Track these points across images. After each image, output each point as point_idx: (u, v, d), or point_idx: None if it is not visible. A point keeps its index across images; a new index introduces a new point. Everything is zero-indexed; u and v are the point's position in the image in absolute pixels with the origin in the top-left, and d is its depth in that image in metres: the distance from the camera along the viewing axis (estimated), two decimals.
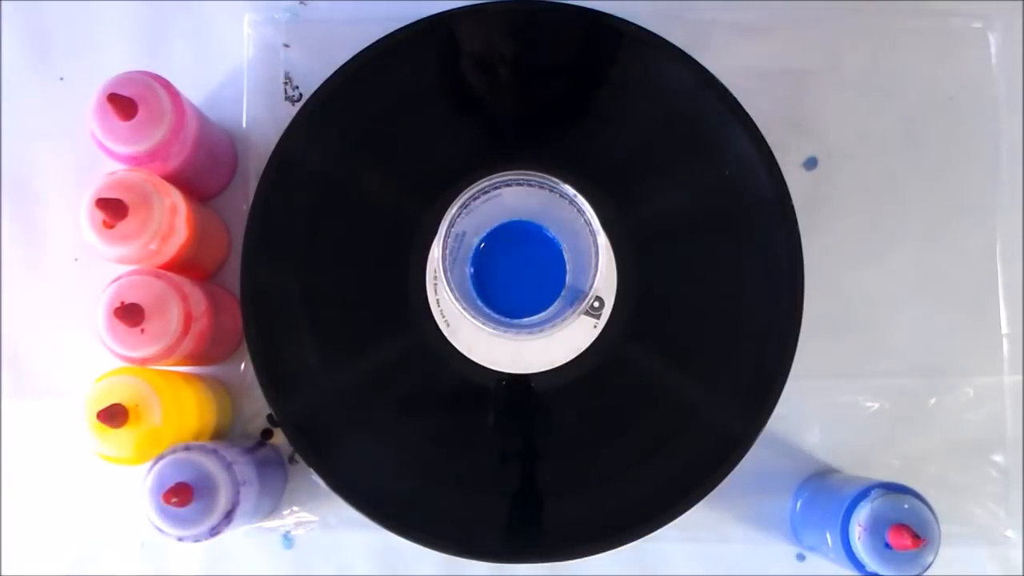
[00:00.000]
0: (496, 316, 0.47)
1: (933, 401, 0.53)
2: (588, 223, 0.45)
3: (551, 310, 0.48)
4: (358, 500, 0.47)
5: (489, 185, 0.45)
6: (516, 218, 0.48)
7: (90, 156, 0.50)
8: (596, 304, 0.47)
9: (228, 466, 0.43)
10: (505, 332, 0.45)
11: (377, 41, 0.49)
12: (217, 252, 0.52)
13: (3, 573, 0.52)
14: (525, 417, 0.49)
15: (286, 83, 0.54)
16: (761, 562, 0.52)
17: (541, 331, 0.46)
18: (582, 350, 0.48)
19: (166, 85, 0.45)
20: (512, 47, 0.50)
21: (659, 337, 0.49)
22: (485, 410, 0.48)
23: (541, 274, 0.48)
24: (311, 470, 0.47)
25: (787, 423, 0.52)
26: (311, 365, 0.48)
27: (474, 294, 0.48)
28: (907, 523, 0.44)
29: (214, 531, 0.43)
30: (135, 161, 0.45)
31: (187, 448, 0.43)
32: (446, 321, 0.48)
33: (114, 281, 0.44)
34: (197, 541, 0.43)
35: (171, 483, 0.42)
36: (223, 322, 0.49)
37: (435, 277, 0.48)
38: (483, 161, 0.47)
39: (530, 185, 0.46)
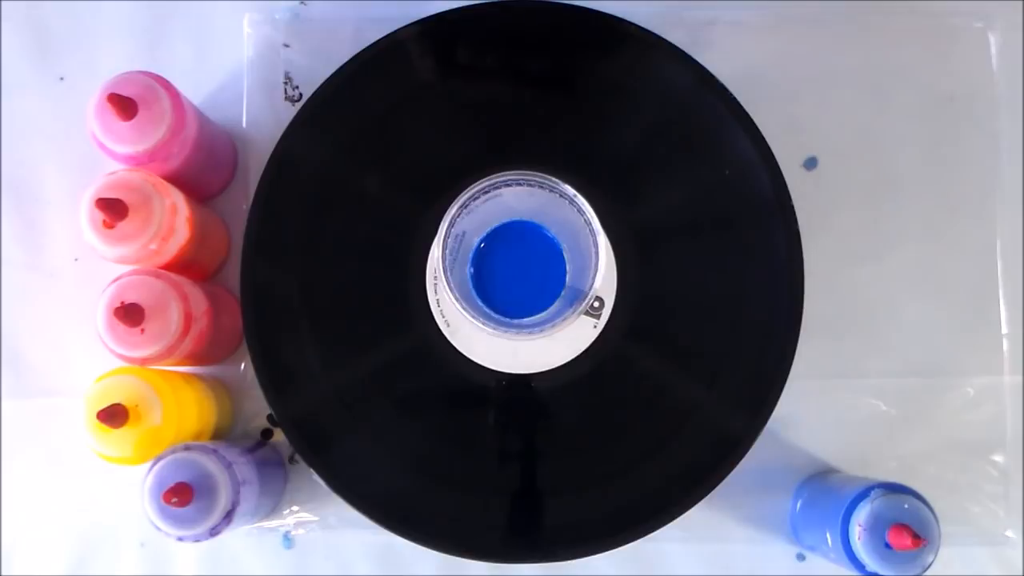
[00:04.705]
0: (496, 316, 0.47)
1: (933, 401, 0.53)
2: (588, 223, 0.45)
3: (551, 310, 0.48)
4: (358, 500, 0.47)
5: (489, 185, 0.45)
6: (516, 218, 0.48)
7: (90, 156, 0.50)
8: (596, 304, 0.47)
9: (228, 466, 0.43)
10: (505, 332, 0.45)
11: (377, 41, 0.49)
12: (217, 252, 0.52)
13: (3, 573, 0.52)
14: (525, 417, 0.49)
15: (286, 83, 0.54)
16: (761, 562, 0.52)
17: (541, 331, 0.46)
18: (582, 350, 0.48)
19: (166, 85, 0.45)
20: (512, 47, 0.50)
21: (659, 337, 0.49)
22: (485, 410, 0.48)
23: (541, 274, 0.48)
24: (311, 470, 0.47)
25: (787, 423, 0.52)
26: (311, 365, 0.48)
27: (474, 294, 0.48)
28: (907, 523, 0.44)
29: (214, 531, 0.43)
30: (135, 161, 0.45)
31: (187, 448, 0.43)
32: (446, 321, 0.48)
33: (114, 281, 0.44)
34: (197, 541, 0.43)
35: (171, 483, 0.42)
36: (223, 322, 0.49)
37: (435, 277, 0.48)
38: (483, 161, 0.47)
39: (530, 185, 0.46)
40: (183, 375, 0.49)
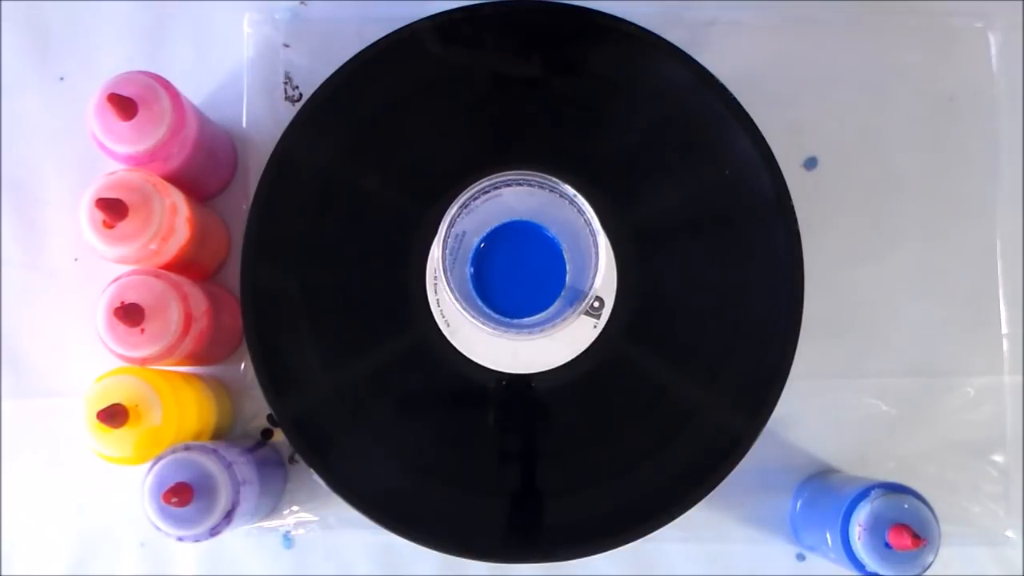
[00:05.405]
0: (496, 316, 0.47)
1: (933, 401, 0.53)
2: (588, 223, 0.45)
3: (551, 310, 0.48)
4: (358, 500, 0.47)
5: (489, 185, 0.45)
6: (516, 218, 0.48)
7: (90, 156, 0.51)
8: (596, 304, 0.47)
9: (228, 466, 0.43)
10: (505, 332, 0.45)
11: (377, 41, 0.49)
12: (217, 252, 0.52)
13: (3, 573, 0.52)
14: (525, 417, 0.49)
15: (286, 83, 0.54)
16: (761, 562, 0.52)
17: (541, 331, 0.46)
18: (582, 350, 0.48)
19: (166, 85, 0.45)
20: (512, 47, 0.50)
21: (659, 337, 0.49)
22: (485, 410, 0.48)
23: (541, 274, 0.48)
24: (311, 470, 0.47)
25: (787, 423, 0.52)
26: (311, 365, 0.48)
27: (474, 294, 0.48)
28: (907, 523, 0.44)
29: (214, 531, 0.43)
30: (135, 161, 0.45)
31: (187, 448, 0.43)
32: (446, 321, 0.48)
33: (114, 281, 0.44)
34: (197, 541, 0.43)
35: (171, 483, 0.42)
36: (223, 322, 0.49)
37: (435, 277, 0.48)
38: (483, 161, 0.47)
39: (530, 185, 0.46)
40: (183, 375, 0.49)
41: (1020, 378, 0.53)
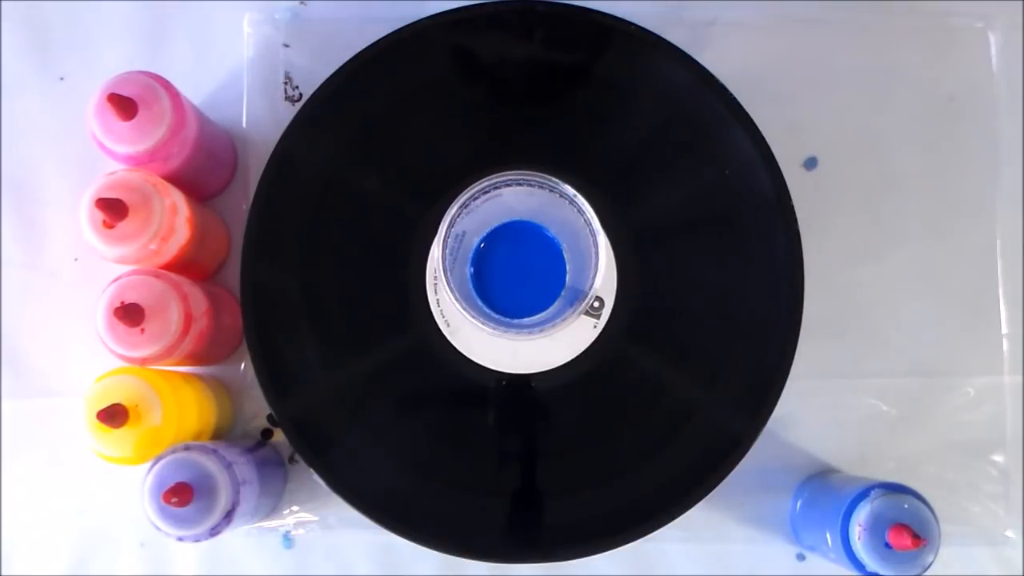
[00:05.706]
0: (496, 316, 0.47)
1: (933, 401, 0.53)
2: (588, 223, 0.45)
3: (551, 310, 0.48)
4: (358, 500, 0.47)
5: (489, 185, 0.45)
6: (516, 218, 0.48)
7: (90, 156, 0.51)
8: (596, 304, 0.47)
9: (228, 466, 0.43)
10: (505, 332, 0.45)
11: (377, 41, 0.49)
12: (217, 252, 0.52)
13: (3, 573, 0.52)
14: (525, 417, 0.49)
15: (286, 83, 0.54)
16: (761, 562, 0.53)
17: (541, 331, 0.46)
18: (582, 350, 0.48)
19: (166, 85, 0.45)
20: (512, 47, 0.50)
21: (659, 337, 0.49)
22: (485, 410, 0.48)
23: (541, 274, 0.48)
24: (311, 470, 0.47)
25: (787, 423, 0.52)
26: (311, 365, 0.48)
27: (474, 294, 0.48)
28: (907, 523, 0.44)
29: (214, 531, 0.43)
30: (135, 161, 0.45)
31: (187, 448, 0.43)
32: (446, 321, 0.48)
33: (114, 281, 0.44)
34: (197, 541, 0.43)
35: (171, 483, 0.42)
36: (223, 322, 0.49)
37: (435, 277, 0.48)
38: (483, 161, 0.47)
39: (530, 185, 0.46)
40: (183, 375, 0.49)
41: (1020, 378, 0.53)
